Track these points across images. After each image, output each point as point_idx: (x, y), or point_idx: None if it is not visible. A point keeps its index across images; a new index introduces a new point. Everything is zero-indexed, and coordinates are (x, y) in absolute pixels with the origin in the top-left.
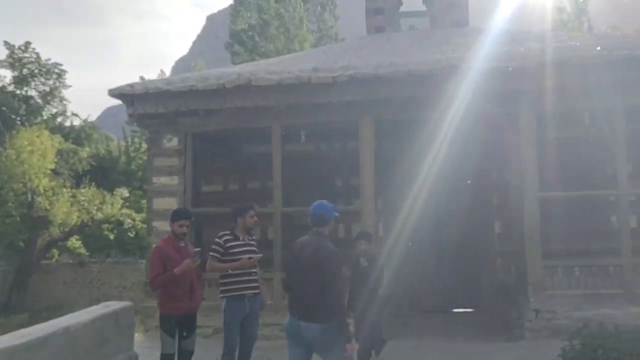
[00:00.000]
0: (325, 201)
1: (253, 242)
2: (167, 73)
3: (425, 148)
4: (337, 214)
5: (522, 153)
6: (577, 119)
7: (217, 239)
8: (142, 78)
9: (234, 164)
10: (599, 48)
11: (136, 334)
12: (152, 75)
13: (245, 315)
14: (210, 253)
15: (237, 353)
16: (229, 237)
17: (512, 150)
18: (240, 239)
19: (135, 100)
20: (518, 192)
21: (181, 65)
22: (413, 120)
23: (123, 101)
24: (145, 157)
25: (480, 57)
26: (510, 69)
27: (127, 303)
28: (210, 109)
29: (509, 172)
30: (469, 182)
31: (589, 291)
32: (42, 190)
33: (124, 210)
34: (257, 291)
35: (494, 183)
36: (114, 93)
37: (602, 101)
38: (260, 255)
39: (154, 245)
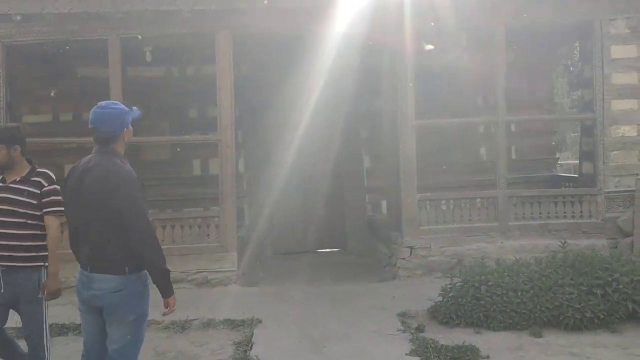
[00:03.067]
0: (114, 102)
1: (18, 187)
2: None
3: (291, 74)
4: (135, 111)
5: (399, 80)
6: (451, 45)
7: None
8: None
9: (66, 89)
10: None
11: None
12: None
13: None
14: None
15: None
16: None
17: (385, 77)
18: None
19: None
20: (392, 122)
21: None
22: (277, 38)
23: None
24: None
25: None
26: None
27: None
28: (27, 14)
29: (381, 102)
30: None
31: (464, 225)
32: None
33: None
34: (15, 264)
35: (363, 114)
36: None
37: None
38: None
39: None
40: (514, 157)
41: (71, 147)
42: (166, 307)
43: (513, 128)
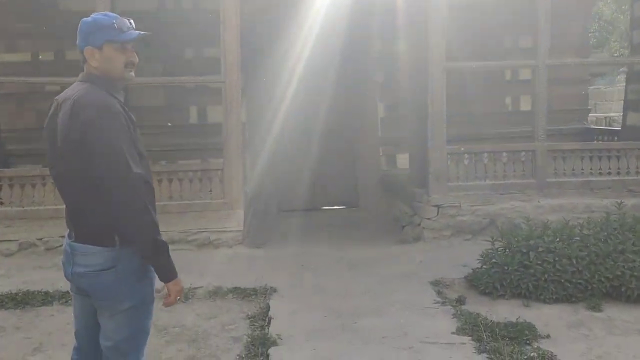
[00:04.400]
0: (105, 13)
1: None
2: None
3: (296, 13)
4: (131, 33)
5: (428, 18)
6: None
7: None
8: None
9: (47, 25)
10: None
11: None
12: None
13: None
14: None
15: None
16: None
17: (410, 15)
18: None
19: None
20: (416, 66)
21: None
22: None
23: None
24: None
25: None
26: None
27: None
28: None
29: (401, 43)
30: None
31: (498, 181)
32: None
33: None
34: None
35: (378, 58)
36: None
37: None
38: None
39: None
40: None
41: (53, 89)
42: (168, 296)
43: None
